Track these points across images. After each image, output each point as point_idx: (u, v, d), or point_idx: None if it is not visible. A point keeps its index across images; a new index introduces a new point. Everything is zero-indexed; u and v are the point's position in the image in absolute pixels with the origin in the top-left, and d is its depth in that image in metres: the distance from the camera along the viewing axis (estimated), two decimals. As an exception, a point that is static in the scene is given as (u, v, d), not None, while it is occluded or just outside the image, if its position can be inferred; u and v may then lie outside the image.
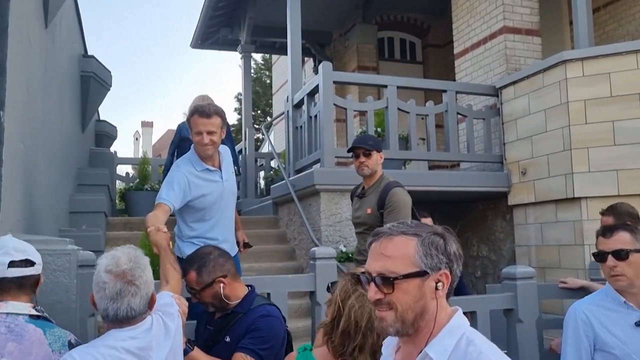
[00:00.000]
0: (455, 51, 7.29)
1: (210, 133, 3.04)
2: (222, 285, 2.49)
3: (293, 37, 6.83)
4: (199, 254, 2.61)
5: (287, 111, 6.87)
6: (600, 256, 2.40)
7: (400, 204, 3.42)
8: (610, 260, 2.35)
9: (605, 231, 2.43)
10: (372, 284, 1.34)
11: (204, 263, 2.52)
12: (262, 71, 25.53)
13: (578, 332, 2.40)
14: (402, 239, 1.35)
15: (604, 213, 3.45)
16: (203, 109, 3.07)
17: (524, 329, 3.33)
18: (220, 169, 3.24)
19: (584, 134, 5.23)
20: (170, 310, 2.14)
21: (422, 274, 1.32)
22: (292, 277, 2.93)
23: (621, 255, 2.31)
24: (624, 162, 5.06)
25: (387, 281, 1.31)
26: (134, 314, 1.93)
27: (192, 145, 3.19)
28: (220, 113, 3.13)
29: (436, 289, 1.32)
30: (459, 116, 6.35)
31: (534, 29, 6.55)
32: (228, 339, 2.43)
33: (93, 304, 1.97)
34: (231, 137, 6.06)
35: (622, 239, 2.34)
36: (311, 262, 3.11)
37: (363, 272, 1.42)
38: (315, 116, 5.96)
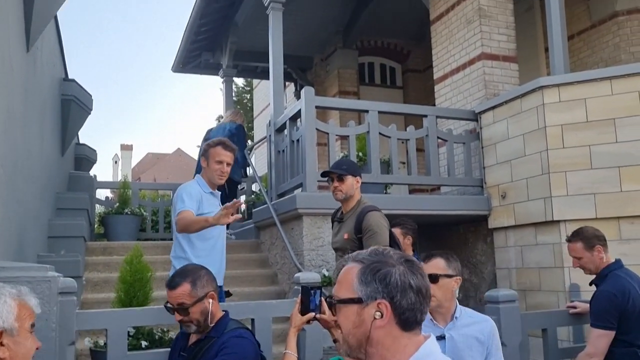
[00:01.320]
0: (435, 77, 7.42)
1: (228, 164, 3.57)
2: (211, 301, 2.48)
3: (275, 62, 6.89)
4: (191, 268, 2.59)
5: (269, 135, 6.89)
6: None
7: (376, 228, 3.45)
8: None
9: (425, 257, 2.73)
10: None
11: (198, 276, 2.50)
12: (243, 94, 25.59)
13: None
14: (350, 266, 1.40)
15: (570, 240, 3.43)
16: (228, 144, 3.63)
17: (508, 353, 3.32)
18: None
19: (561, 158, 5.33)
20: None
21: (357, 300, 1.34)
22: (277, 302, 2.91)
23: (431, 278, 2.45)
24: (601, 186, 5.16)
25: (332, 305, 1.41)
26: None
27: (201, 172, 3.70)
28: (235, 151, 3.71)
29: (374, 318, 1.31)
30: (440, 140, 6.44)
31: (511, 56, 6.70)
32: None
33: None
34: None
35: (436, 265, 2.64)
36: (295, 287, 3.10)
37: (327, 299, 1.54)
38: (298, 140, 5.98)
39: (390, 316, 1.31)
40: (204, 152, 3.67)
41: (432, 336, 1.39)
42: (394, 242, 3.61)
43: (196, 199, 3.47)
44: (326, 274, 5.16)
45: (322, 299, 2.26)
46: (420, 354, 1.32)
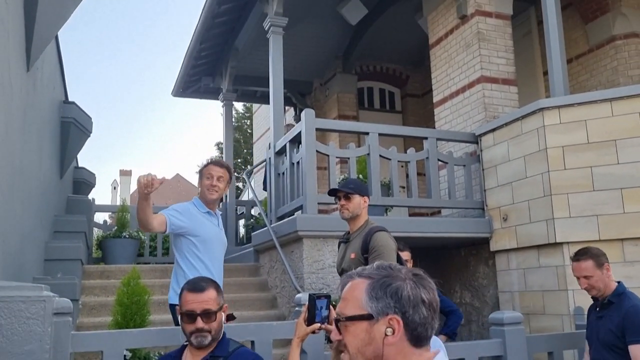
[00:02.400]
0: (435, 100, 7.44)
1: (219, 179, 3.57)
2: (224, 314, 2.42)
3: (275, 84, 6.92)
4: (207, 278, 2.53)
5: (269, 158, 6.88)
6: None
7: (383, 249, 3.38)
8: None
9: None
10: (335, 326, 1.37)
11: (219, 286, 2.44)
12: (243, 120, 25.71)
13: None
14: (357, 281, 1.35)
15: (579, 259, 3.30)
16: (218, 161, 3.77)
17: (514, 377, 3.26)
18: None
19: (563, 180, 5.30)
20: None
21: (367, 317, 1.28)
22: (277, 324, 2.84)
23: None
24: (604, 208, 5.12)
25: (338, 323, 1.34)
26: None
27: (197, 195, 3.73)
28: (230, 170, 3.71)
29: (386, 334, 1.27)
30: (440, 163, 6.41)
31: (511, 79, 6.73)
32: None
33: None
34: None
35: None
36: (296, 308, 3.03)
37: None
38: (298, 163, 5.96)
39: (402, 332, 1.27)
40: (199, 174, 3.70)
41: (441, 352, 1.35)
42: (401, 265, 3.54)
43: (180, 211, 3.47)
44: (327, 297, 5.08)
45: (331, 307, 2.17)
46: None
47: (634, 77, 7.26)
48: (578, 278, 3.30)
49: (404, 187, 7.45)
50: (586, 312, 3.45)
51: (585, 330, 3.42)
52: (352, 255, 3.51)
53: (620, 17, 7.45)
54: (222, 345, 2.39)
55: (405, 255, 4.33)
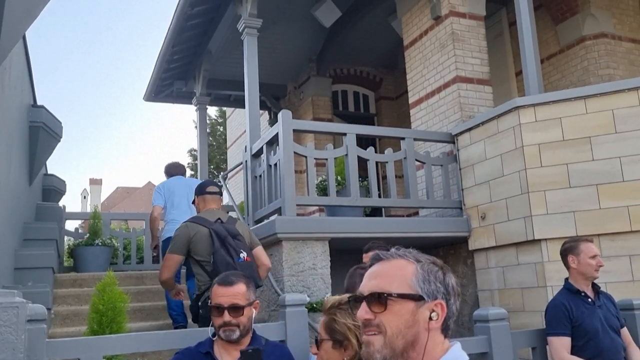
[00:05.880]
0: (410, 100, 7.45)
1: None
2: (254, 311, 2.38)
3: (250, 86, 6.85)
4: (239, 273, 2.47)
5: (246, 161, 6.78)
6: None
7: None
8: None
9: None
10: (364, 303, 1.27)
11: (250, 281, 2.38)
12: (216, 126, 25.48)
13: None
14: (400, 261, 1.30)
15: (592, 240, 3.64)
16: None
17: (500, 373, 3.23)
18: None
19: (540, 177, 5.34)
20: None
21: (417, 297, 1.24)
22: (262, 326, 2.76)
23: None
24: (580, 204, 5.17)
25: (380, 299, 1.24)
26: None
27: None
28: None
29: (430, 319, 1.24)
30: (418, 163, 6.41)
31: (485, 79, 6.78)
32: None
33: None
34: None
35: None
36: (281, 309, 2.96)
37: (350, 297, 1.37)
38: (275, 165, 5.88)
39: (441, 318, 1.26)
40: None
41: (458, 343, 1.33)
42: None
43: (161, 192, 5.15)
44: (307, 299, 5.01)
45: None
46: (449, 357, 1.27)
47: (604, 77, 7.39)
48: (594, 256, 3.46)
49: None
50: (564, 307, 3.46)
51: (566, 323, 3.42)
52: None
53: (590, 18, 7.59)
54: (257, 339, 2.39)
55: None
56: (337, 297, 1.81)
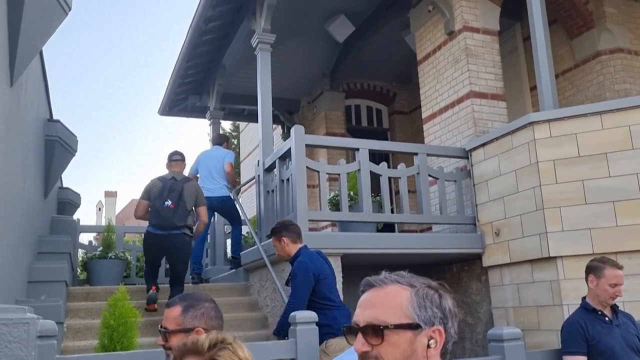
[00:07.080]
0: (424, 115, 7.43)
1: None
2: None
3: (263, 100, 6.87)
4: (197, 296, 2.28)
5: (258, 175, 6.79)
6: None
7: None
8: None
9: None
10: (360, 335, 1.22)
11: (195, 306, 2.18)
12: (230, 139, 25.62)
13: None
14: (394, 288, 1.25)
15: (621, 267, 3.46)
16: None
17: (515, 394, 3.17)
18: None
19: (555, 194, 5.27)
20: None
21: (414, 326, 1.20)
22: (272, 344, 2.73)
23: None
24: (597, 221, 5.09)
25: (377, 331, 1.20)
26: None
27: None
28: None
29: (428, 346, 1.20)
30: (431, 179, 6.37)
31: (499, 94, 6.75)
32: None
33: None
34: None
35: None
36: (291, 327, 2.93)
37: (344, 327, 1.30)
38: (288, 179, 5.88)
39: (439, 344, 1.22)
40: None
41: None
42: None
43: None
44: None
45: None
46: None
47: (620, 92, 7.32)
48: (615, 285, 3.36)
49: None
50: (579, 326, 3.41)
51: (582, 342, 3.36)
52: None
53: (605, 33, 7.53)
54: None
55: None
56: (213, 335, 1.36)
